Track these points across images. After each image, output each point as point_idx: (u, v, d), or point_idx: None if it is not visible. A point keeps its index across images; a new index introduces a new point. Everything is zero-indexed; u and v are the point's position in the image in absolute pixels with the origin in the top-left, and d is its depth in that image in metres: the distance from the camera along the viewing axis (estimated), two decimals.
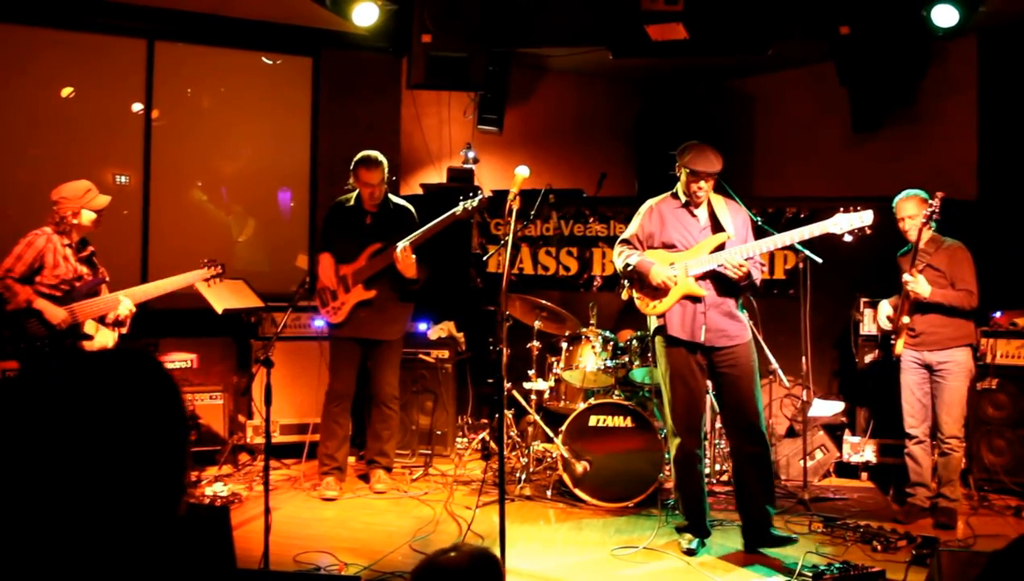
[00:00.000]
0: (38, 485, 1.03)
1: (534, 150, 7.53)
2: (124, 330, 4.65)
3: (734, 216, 4.26)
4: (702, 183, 4.18)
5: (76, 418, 1.06)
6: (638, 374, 5.37)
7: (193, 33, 6.49)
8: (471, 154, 7.01)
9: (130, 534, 1.07)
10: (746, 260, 4.13)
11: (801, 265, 5.11)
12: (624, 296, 4.44)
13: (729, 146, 7.84)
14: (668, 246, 4.27)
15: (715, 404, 5.37)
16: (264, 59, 6.89)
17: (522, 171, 3.78)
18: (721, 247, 4.16)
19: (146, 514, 1.09)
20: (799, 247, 4.92)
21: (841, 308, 5.77)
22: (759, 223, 4.62)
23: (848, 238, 4.16)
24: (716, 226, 4.25)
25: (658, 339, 4.29)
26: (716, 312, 4.15)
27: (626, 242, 4.38)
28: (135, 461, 1.08)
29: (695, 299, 4.15)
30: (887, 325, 4.85)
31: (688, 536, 4.24)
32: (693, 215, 4.28)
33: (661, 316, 4.22)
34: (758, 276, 4.27)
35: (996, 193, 6.18)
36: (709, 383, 4.52)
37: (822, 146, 7.49)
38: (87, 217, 4.54)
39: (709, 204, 4.28)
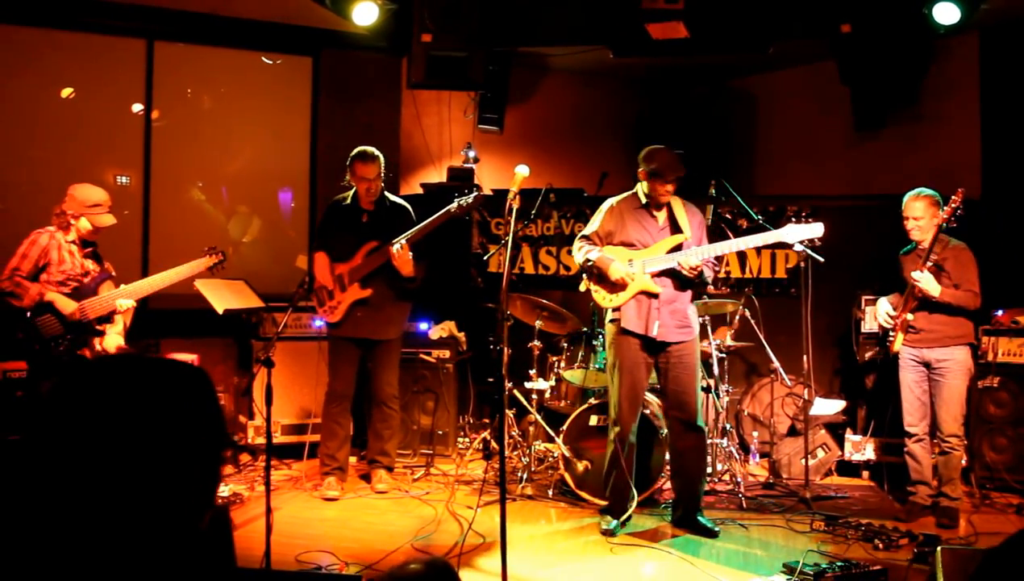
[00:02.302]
0: (66, 488, 1.04)
1: (535, 149, 7.53)
2: (112, 325, 4.65)
3: (691, 218, 4.49)
4: (669, 186, 4.39)
5: (116, 426, 1.06)
6: None
7: (193, 33, 6.49)
8: (471, 154, 7.00)
9: (149, 541, 1.07)
10: (700, 261, 4.35)
11: (802, 264, 5.11)
12: (582, 288, 4.67)
13: (730, 145, 7.93)
14: (627, 244, 4.49)
15: (716, 402, 5.38)
16: (264, 59, 6.89)
17: (522, 170, 3.78)
18: (679, 248, 4.38)
19: (169, 524, 1.09)
20: (800, 246, 4.94)
21: (842, 307, 5.76)
22: (760, 221, 4.65)
23: (799, 248, 4.35)
24: (674, 227, 4.48)
25: (610, 329, 4.52)
26: (669, 309, 4.40)
27: (586, 238, 4.61)
28: (169, 473, 1.08)
29: (651, 295, 4.38)
30: (887, 322, 4.84)
31: (608, 517, 4.49)
32: (652, 216, 4.50)
33: (617, 309, 4.45)
34: (710, 275, 4.53)
35: (999, 191, 6.17)
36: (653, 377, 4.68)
37: (824, 145, 7.48)
38: (84, 226, 4.57)
39: (668, 205, 4.49)
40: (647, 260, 4.39)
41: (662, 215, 4.50)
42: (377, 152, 5.10)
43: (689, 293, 4.48)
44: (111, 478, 1.05)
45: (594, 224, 4.61)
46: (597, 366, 5.23)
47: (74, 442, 1.05)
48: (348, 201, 5.23)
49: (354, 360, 5.22)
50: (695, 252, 4.31)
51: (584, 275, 4.62)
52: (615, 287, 4.43)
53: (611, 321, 4.50)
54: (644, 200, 4.49)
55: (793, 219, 4.36)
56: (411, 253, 4.94)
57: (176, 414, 1.11)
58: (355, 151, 5.12)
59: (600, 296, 4.53)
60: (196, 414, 1.13)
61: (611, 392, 4.54)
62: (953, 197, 4.52)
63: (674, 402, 4.48)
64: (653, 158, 4.39)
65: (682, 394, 4.44)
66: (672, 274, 4.39)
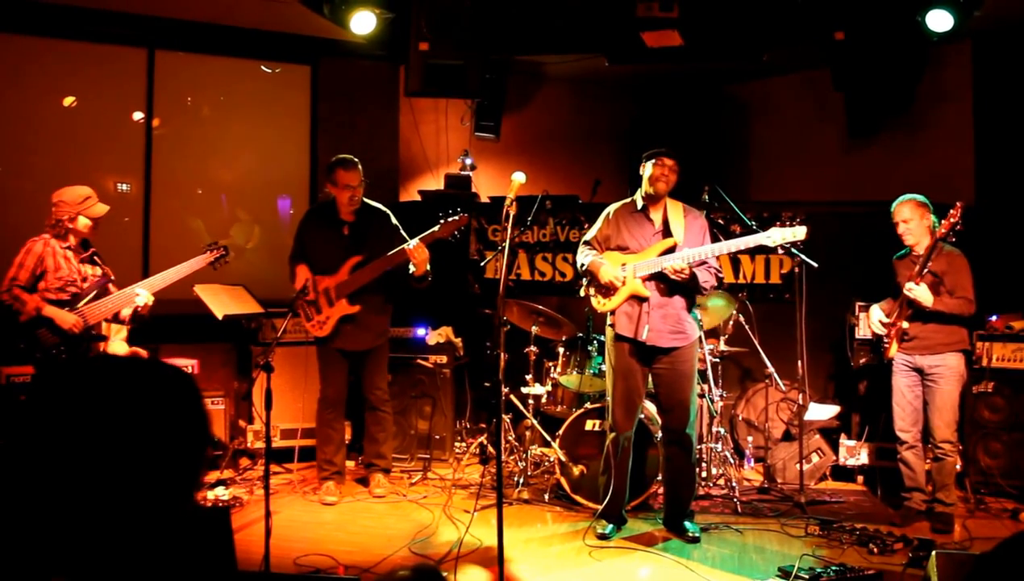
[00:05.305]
0: (53, 482, 1.06)
1: (531, 157, 7.58)
2: (117, 329, 4.68)
3: (689, 223, 4.48)
4: (668, 162, 4.40)
5: (91, 424, 1.08)
6: None
7: (193, 42, 6.54)
8: (468, 161, 7.05)
9: (135, 538, 1.09)
10: (700, 265, 4.32)
11: (797, 269, 5.14)
12: (582, 293, 4.73)
13: (725, 151, 7.97)
14: (622, 248, 4.52)
15: (711, 407, 5.41)
16: (263, 67, 6.93)
17: (519, 177, 3.82)
18: (670, 251, 4.38)
19: (148, 523, 1.11)
20: (795, 252, 4.98)
21: (836, 312, 5.79)
22: (754, 227, 4.68)
23: (780, 251, 4.29)
24: (669, 232, 4.48)
25: (608, 335, 4.56)
26: (660, 313, 4.40)
27: (587, 243, 4.66)
28: (149, 472, 1.11)
29: (641, 299, 4.39)
30: (880, 330, 4.87)
31: (603, 522, 4.53)
32: (649, 220, 4.52)
33: (612, 313, 4.48)
34: (709, 280, 4.45)
35: (993, 198, 6.21)
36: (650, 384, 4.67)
37: (818, 151, 7.52)
38: (83, 223, 4.59)
39: (665, 210, 4.50)
40: (638, 264, 4.42)
41: (658, 219, 4.50)
42: (356, 158, 5.12)
43: (682, 298, 4.45)
44: (85, 471, 1.06)
45: (594, 229, 4.66)
46: (592, 371, 5.27)
47: (45, 438, 1.07)
48: (326, 210, 5.22)
49: (343, 367, 5.25)
50: (681, 255, 4.32)
51: (583, 280, 4.68)
52: (608, 291, 4.48)
53: (609, 325, 4.54)
54: (640, 204, 4.52)
55: (778, 223, 4.34)
56: (427, 251, 4.91)
57: (157, 413, 1.12)
58: (335, 159, 5.13)
59: (596, 301, 4.58)
60: (177, 413, 1.15)
61: (608, 397, 4.57)
62: (952, 210, 4.51)
63: (666, 409, 4.50)
64: (647, 153, 4.49)
65: (674, 402, 4.45)
66: (663, 278, 4.39)
